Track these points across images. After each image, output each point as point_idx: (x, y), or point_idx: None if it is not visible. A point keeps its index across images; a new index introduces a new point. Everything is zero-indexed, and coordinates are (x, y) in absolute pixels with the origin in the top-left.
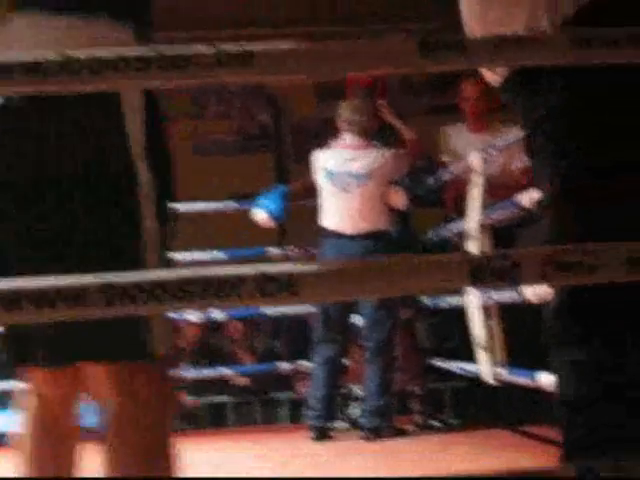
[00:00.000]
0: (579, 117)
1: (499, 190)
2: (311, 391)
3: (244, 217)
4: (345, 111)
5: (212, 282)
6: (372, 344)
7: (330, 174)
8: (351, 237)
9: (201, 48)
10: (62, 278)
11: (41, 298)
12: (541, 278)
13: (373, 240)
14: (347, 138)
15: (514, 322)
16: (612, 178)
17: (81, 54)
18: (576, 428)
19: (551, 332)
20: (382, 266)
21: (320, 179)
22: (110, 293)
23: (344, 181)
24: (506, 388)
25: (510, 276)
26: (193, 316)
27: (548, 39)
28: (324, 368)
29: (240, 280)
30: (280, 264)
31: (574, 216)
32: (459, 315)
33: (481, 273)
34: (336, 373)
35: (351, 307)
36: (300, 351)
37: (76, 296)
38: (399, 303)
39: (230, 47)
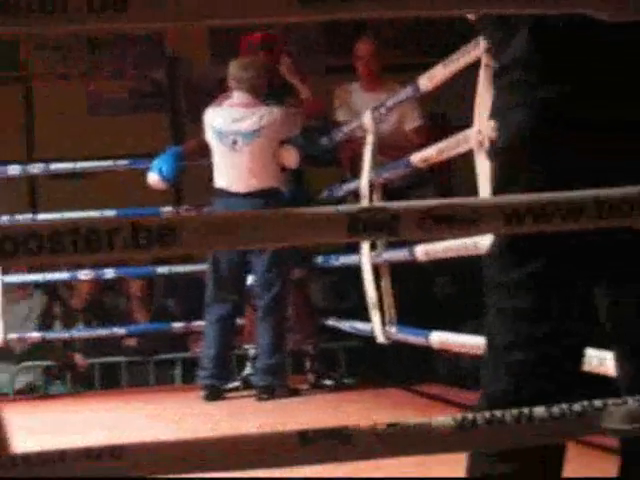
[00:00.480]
0: (546, 61)
1: (392, 150)
2: (203, 351)
3: (140, 177)
4: (234, 69)
5: (84, 232)
6: (263, 303)
7: (219, 133)
8: (242, 195)
9: None
10: None
11: None
12: (420, 231)
13: (264, 198)
14: (236, 96)
15: (405, 281)
16: (574, 131)
17: None
18: (501, 377)
19: (485, 279)
20: (258, 218)
21: (210, 138)
22: None
23: (233, 140)
24: (397, 347)
25: (388, 229)
26: (85, 275)
27: None
28: (216, 327)
29: (112, 231)
30: (153, 216)
31: (526, 164)
32: (356, 274)
33: (359, 225)
34: (228, 332)
35: (244, 266)
36: (194, 311)
37: None
38: (291, 262)
39: None
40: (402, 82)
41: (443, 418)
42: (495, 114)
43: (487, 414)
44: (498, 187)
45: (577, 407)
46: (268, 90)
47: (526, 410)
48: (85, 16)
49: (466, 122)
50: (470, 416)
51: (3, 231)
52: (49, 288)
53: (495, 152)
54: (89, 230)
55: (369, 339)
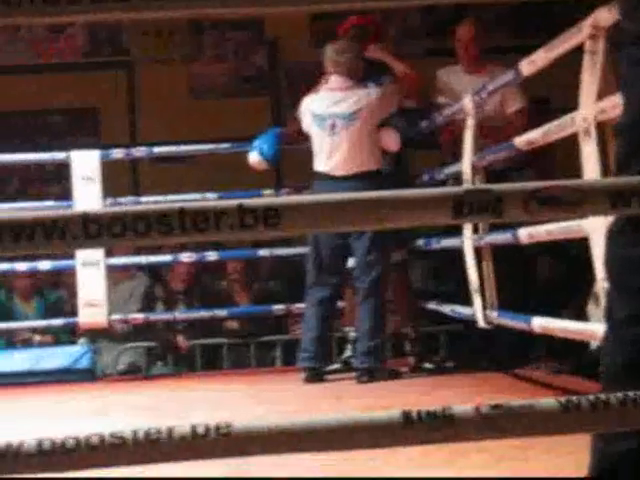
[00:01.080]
0: None
1: (493, 132)
2: (304, 332)
3: (242, 160)
4: (330, 52)
5: (191, 214)
6: (363, 286)
7: (318, 117)
8: (342, 178)
9: None
10: (41, 212)
11: (21, 230)
12: (524, 213)
13: (364, 181)
14: (333, 80)
15: (507, 264)
16: None
17: None
18: (620, 351)
19: (606, 254)
20: (362, 200)
21: (308, 123)
22: (91, 226)
23: (331, 123)
24: (499, 331)
25: (493, 210)
26: (187, 257)
27: None
28: (317, 309)
29: (220, 212)
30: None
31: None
32: (456, 258)
33: (464, 207)
34: (329, 315)
35: (344, 249)
36: (295, 293)
37: (53, 227)
38: (391, 245)
39: None
40: (503, 65)
41: (547, 400)
42: (622, 88)
43: (591, 397)
44: (621, 164)
45: None
46: (365, 72)
47: (632, 393)
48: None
49: (569, 106)
50: (574, 399)
51: (113, 214)
52: (152, 270)
53: (620, 128)
54: (197, 212)
55: (469, 323)
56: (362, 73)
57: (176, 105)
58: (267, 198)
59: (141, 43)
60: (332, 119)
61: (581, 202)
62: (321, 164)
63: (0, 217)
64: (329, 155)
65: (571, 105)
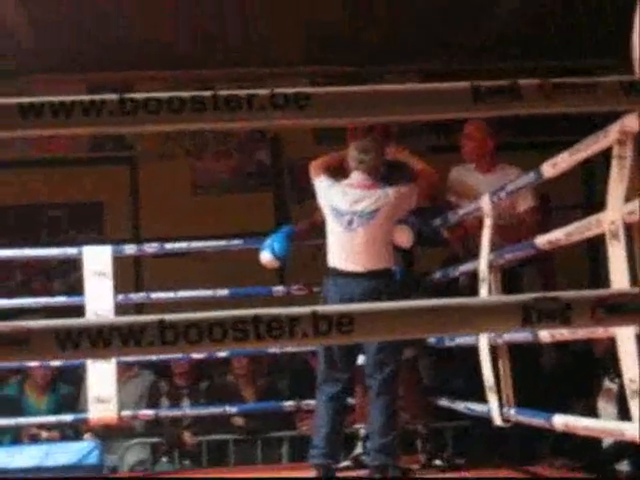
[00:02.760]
0: None
1: (505, 231)
2: (315, 429)
3: (243, 255)
4: (355, 151)
5: (266, 321)
6: (376, 384)
7: (337, 211)
8: (355, 275)
9: (256, 90)
10: (118, 318)
11: (99, 336)
12: (592, 321)
13: (377, 279)
14: (355, 177)
15: (516, 359)
16: None
17: (137, 95)
18: None
19: None
20: (433, 307)
21: (327, 216)
22: (167, 333)
23: (349, 219)
24: (510, 428)
25: (561, 318)
26: (197, 354)
27: (600, 85)
28: (328, 406)
29: (294, 319)
30: (330, 305)
31: None
32: (467, 354)
33: (533, 315)
34: (340, 412)
35: (355, 346)
36: (302, 389)
37: (129, 333)
38: (403, 342)
39: (285, 89)
40: (510, 162)
41: None
42: None
43: None
44: None
45: None
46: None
47: None
48: (269, 113)
49: (567, 204)
50: None
51: (188, 320)
52: (155, 365)
53: None
54: (271, 319)
55: (477, 419)
56: (381, 171)
57: (179, 200)
58: (340, 305)
59: (145, 138)
60: (350, 216)
61: None
62: (335, 260)
63: (78, 322)
64: (344, 251)
65: (569, 203)
